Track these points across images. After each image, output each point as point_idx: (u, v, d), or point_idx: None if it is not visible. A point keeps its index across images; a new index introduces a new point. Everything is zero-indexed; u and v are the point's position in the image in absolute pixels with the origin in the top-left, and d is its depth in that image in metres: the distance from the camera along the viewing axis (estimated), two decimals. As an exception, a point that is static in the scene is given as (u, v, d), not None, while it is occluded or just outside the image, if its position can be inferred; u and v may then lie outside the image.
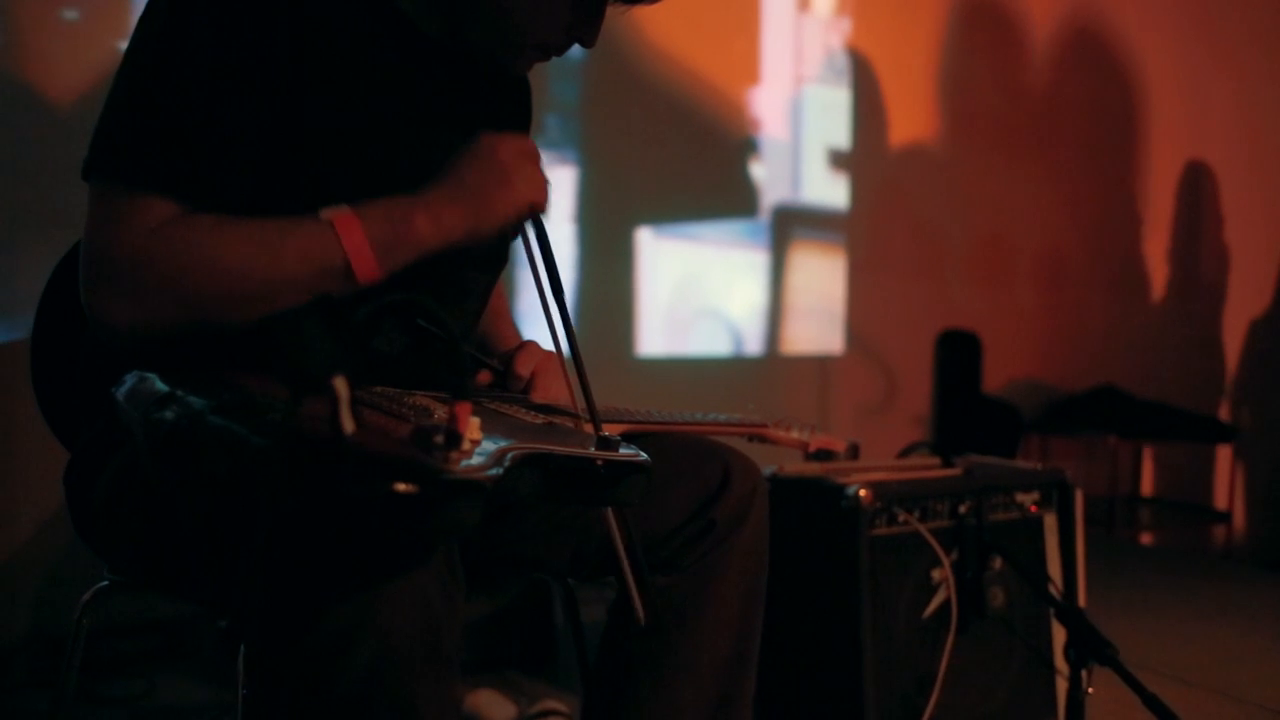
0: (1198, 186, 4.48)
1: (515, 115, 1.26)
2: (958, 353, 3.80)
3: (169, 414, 0.69)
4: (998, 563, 1.77)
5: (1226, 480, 4.36)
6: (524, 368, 1.12)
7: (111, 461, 0.97)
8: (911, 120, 3.60)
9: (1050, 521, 1.92)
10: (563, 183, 2.74)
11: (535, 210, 1.00)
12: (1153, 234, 4.42)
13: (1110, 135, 4.21)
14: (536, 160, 1.02)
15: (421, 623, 0.73)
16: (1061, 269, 4.12)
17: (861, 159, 3.43)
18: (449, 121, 1.08)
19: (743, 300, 3.19)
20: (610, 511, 0.97)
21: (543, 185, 1.01)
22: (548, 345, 1.09)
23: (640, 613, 0.98)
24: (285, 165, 0.95)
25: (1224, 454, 4.42)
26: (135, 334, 0.90)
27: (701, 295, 3.08)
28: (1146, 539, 4.12)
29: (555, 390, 1.12)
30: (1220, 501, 4.39)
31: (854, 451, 1.82)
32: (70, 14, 1.92)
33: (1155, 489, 4.42)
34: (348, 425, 0.61)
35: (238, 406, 0.70)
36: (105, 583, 1.10)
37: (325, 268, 0.90)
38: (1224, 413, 4.60)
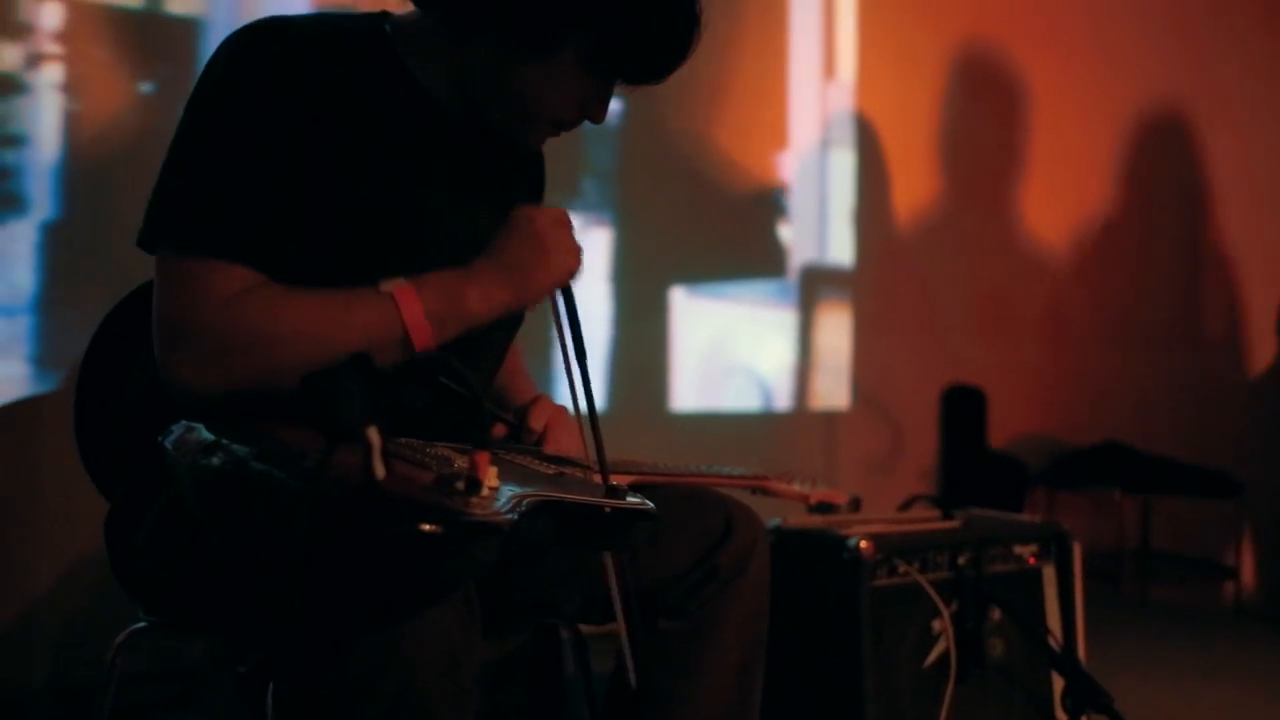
0: (1202, 239, 4.56)
1: (530, 184, 1.35)
2: (963, 407, 3.85)
3: (215, 460, 0.76)
4: (997, 614, 1.82)
5: (1234, 535, 4.37)
6: (537, 421, 1.19)
7: (152, 507, 1.04)
8: (915, 179, 3.69)
9: (1049, 574, 1.96)
10: (599, 244, 2.83)
11: (571, 276, 1.09)
12: (1154, 291, 4.48)
13: (1111, 191, 4.29)
14: (569, 228, 1.11)
15: (443, 655, 0.79)
16: (1064, 324, 4.18)
17: (866, 218, 3.51)
18: (472, 190, 1.17)
19: (772, 357, 3.27)
20: (608, 563, 1.02)
21: (577, 252, 1.10)
22: (565, 397, 1.16)
23: (632, 675, 1.02)
24: (331, 234, 1.03)
25: (1231, 509, 4.43)
26: (211, 395, 0.96)
27: (732, 352, 3.15)
28: (1155, 594, 4.12)
29: (566, 443, 1.19)
30: (1228, 557, 4.39)
31: (856, 504, 1.88)
32: (146, 87, 2.06)
33: (1163, 544, 4.43)
34: (379, 471, 0.68)
35: (276, 454, 0.77)
36: (143, 624, 1.16)
37: (386, 337, 0.98)
38: (1232, 467, 4.62)
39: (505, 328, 1.25)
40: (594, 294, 2.76)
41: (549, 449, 1.17)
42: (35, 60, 1.87)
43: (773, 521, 1.82)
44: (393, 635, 0.77)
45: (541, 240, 1.07)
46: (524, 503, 0.81)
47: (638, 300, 2.94)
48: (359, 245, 1.05)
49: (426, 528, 0.69)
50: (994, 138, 3.89)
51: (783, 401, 3.30)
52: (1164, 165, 4.35)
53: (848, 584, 1.71)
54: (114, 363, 1.26)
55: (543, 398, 1.25)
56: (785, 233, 3.29)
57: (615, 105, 2.27)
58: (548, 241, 1.07)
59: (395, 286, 1.00)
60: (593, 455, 1.02)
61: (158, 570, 1.03)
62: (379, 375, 0.70)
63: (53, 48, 1.89)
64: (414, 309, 0.99)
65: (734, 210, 3.16)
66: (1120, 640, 2.92)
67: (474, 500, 0.74)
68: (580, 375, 1.07)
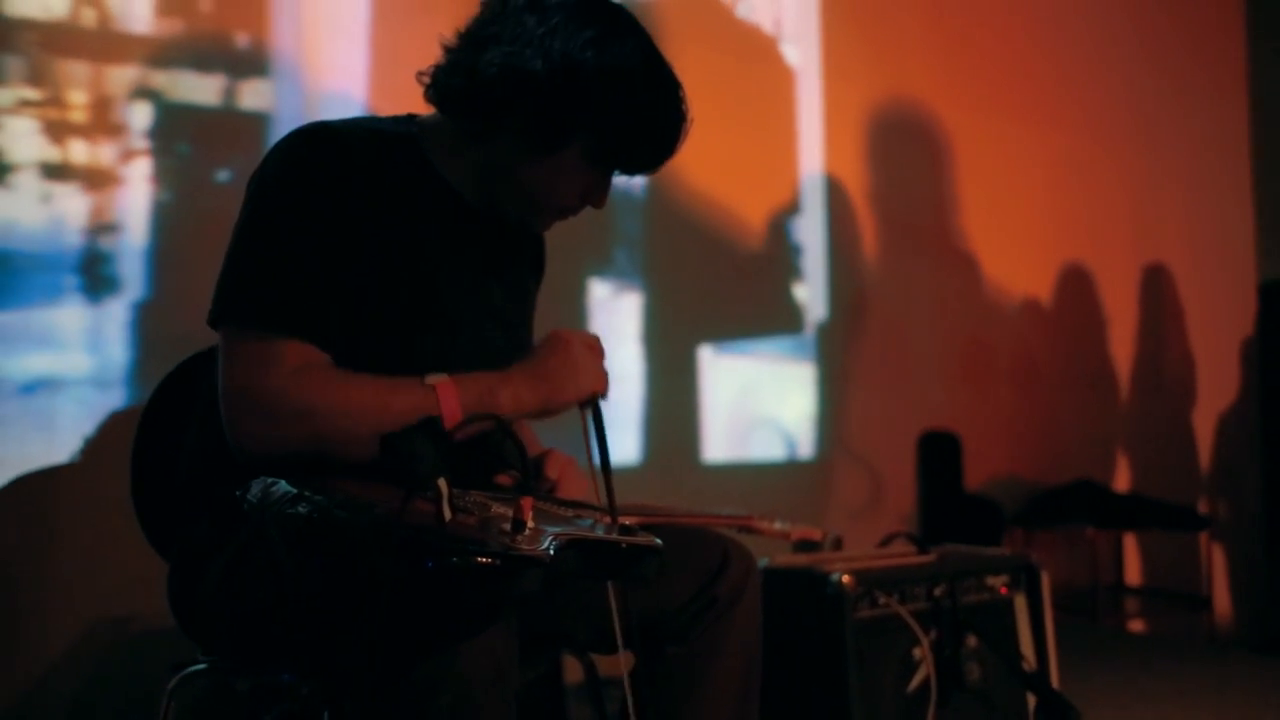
0: (1158, 288, 4.77)
1: (533, 262, 1.52)
2: (939, 452, 4.01)
3: (302, 509, 0.91)
4: (973, 640, 1.97)
5: (1207, 567, 4.53)
6: (552, 471, 1.35)
7: (217, 560, 1.18)
8: (883, 236, 3.89)
9: (1020, 602, 2.11)
10: (630, 307, 3.01)
11: (595, 397, 1.25)
12: (1118, 334, 4.68)
13: (1071, 242, 4.50)
14: (600, 355, 1.27)
15: (492, 672, 0.94)
16: (1035, 369, 4.36)
17: (839, 273, 3.70)
18: (488, 269, 1.35)
19: (795, 408, 3.47)
20: (612, 597, 1.17)
21: (604, 378, 1.26)
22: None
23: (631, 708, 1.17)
24: (372, 309, 1.20)
25: (1203, 542, 4.59)
26: (270, 458, 1.11)
27: (757, 405, 3.33)
28: (1132, 627, 4.26)
29: (575, 489, 1.35)
30: (1202, 588, 4.54)
31: (837, 543, 2.04)
32: (222, 175, 2.22)
33: (1138, 578, 4.58)
34: (447, 514, 0.84)
35: (350, 504, 0.93)
36: (202, 665, 1.30)
37: None
38: (1200, 502, 4.80)
39: None
40: (628, 354, 2.92)
41: (562, 494, 1.33)
42: (128, 155, 2.04)
43: (761, 561, 1.96)
44: (449, 655, 0.92)
45: (573, 360, 1.23)
46: (558, 539, 0.97)
47: (668, 359, 3.11)
48: (395, 318, 1.21)
49: (484, 560, 0.85)
50: (964, 195, 4.10)
51: (806, 450, 3.49)
52: (1119, 215, 4.57)
53: (832, 617, 1.85)
54: (168, 433, 1.41)
55: (553, 451, 1.41)
56: (800, 292, 3.51)
57: (641, 180, 2.53)
58: (579, 362, 1.24)
59: (438, 380, 1.15)
60: (603, 499, 1.18)
61: (228, 614, 1.17)
62: (445, 436, 0.85)
63: (143, 143, 2.06)
64: (451, 401, 1.14)
65: (753, 272, 3.37)
66: (1098, 672, 3.02)
67: (520, 538, 0.90)
68: (604, 479, 1.20)
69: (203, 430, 1.24)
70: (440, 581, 0.85)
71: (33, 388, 1.94)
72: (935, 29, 3.93)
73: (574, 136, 1.26)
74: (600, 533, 1.06)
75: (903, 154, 3.93)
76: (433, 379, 1.15)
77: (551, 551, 0.92)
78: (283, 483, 0.97)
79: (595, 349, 1.27)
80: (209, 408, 1.20)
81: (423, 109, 1.36)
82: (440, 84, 1.29)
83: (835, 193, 3.72)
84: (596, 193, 1.34)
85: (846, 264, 3.75)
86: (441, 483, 0.82)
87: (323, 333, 1.16)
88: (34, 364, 1.94)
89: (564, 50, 1.22)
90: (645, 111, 1.27)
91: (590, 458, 1.22)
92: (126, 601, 2.05)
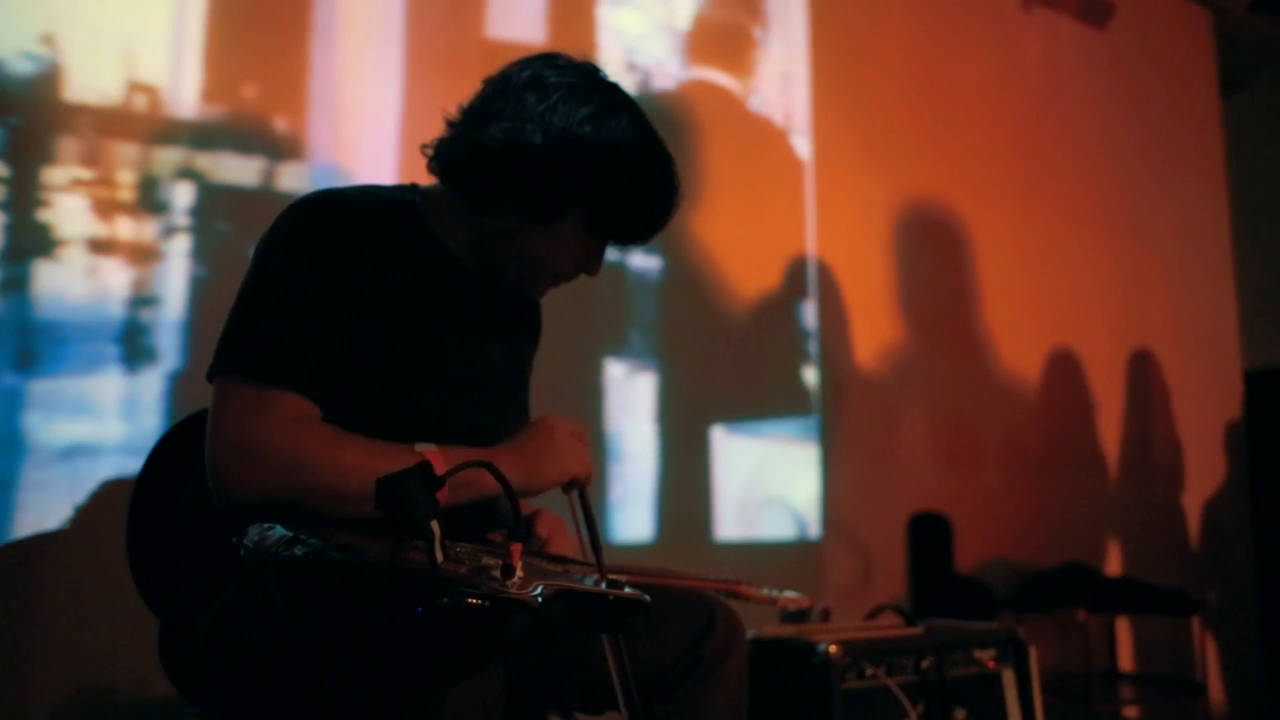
0: (1145, 373, 4.83)
1: (530, 326, 1.57)
2: (929, 533, 4.02)
3: (298, 550, 0.93)
4: (961, 714, 1.97)
5: (1201, 653, 4.50)
6: (543, 529, 1.38)
7: (210, 605, 1.20)
8: (874, 320, 3.95)
9: (1008, 677, 2.12)
10: (645, 388, 3.06)
11: (577, 482, 1.30)
12: (1106, 418, 4.72)
13: (1058, 326, 4.57)
14: (584, 441, 1.32)
15: (478, 714, 0.96)
16: (1023, 453, 4.39)
17: (832, 355, 3.75)
18: (486, 332, 1.40)
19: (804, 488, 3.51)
20: (609, 653, 1.19)
21: (586, 463, 1.31)
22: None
23: None
24: (373, 367, 1.24)
25: (1196, 627, 4.57)
26: (251, 506, 1.13)
27: (767, 485, 3.38)
28: (1127, 713, 4.22)
29: (566, 547, 1.38)
30: (1197, 674, 4.51)
31: (825, 615, 2.05)
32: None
33: (1131, 663, 4.54)
34: (439, 556, 0.87)
35: (343, 547, 0.95)
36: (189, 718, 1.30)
37: None
38: (1192, 586, 4.78)
39: None
40: (642, 433, 2.99)
41: (552, 550, 1.35)
42: (170, 233, 2.13)
43: (749, 632, 1.97)
44: (438, 696, 0.94)
45: (557, 445, 1.28)
46: (546, 589, 0.99)
47: (681, 437, 3.16)
48: (398, 376, 1.25)
49: (474, 601, 0.87)
50: (952, 279, 4.18)
51: (815, 529, 3.52)
52: (1104, 303, 4.66)
53: (820, 687, 1.86)
54: (164, 490, 1.44)
55: (544, 510, 1.44)
56: (809, 374, 3.58)
57: (656, 263, 2.63)
58: (562, 448, 1.29)
59: (426, 450, 1.18)
60: (591, 558, 1.21)
61: (219, 661, 1.18)
62: (438, 482, 0.89)
63: (184, 221, 2.15)
64: (440, 469, 1.18)
65: (763, 354, 3.44)
66: (1093, 758, 3.01)
67: (510, 582, 0.92)
68: (595, 560, 1.25)
69: (198, 485, 1.26)
70: (431, 623, 0.87)
71: (70, 453, 1.99)
72: (924, 120, 4.06)
73: (571, 207, 1.32)
74: (589, 585, 1.09)
75: (892, 240, 4.01)
76: (421, 447, 1.18)
77: (540, 599, 0.95)
78: (278, 527, 1.00)
79: (579, 436, 1.31)
80: (204, 463, 1.23)
81: (425, 179, 1.42)
82: (444, 155, 1.35)
83: (825, 277, 3.79)
84: (592, 261, 1.39)
85: (835, 347, 3.80)
86: (434, 525, 0.85)
87: (319, 388, 1.20)
88: (72, 430, 2.00)
89: (563, 126, 1.28)
90: (639, 184, 1.33)
91: (581, 540, 1.25)
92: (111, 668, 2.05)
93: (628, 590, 1.12)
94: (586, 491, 1.30)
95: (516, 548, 0.93)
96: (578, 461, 1.29)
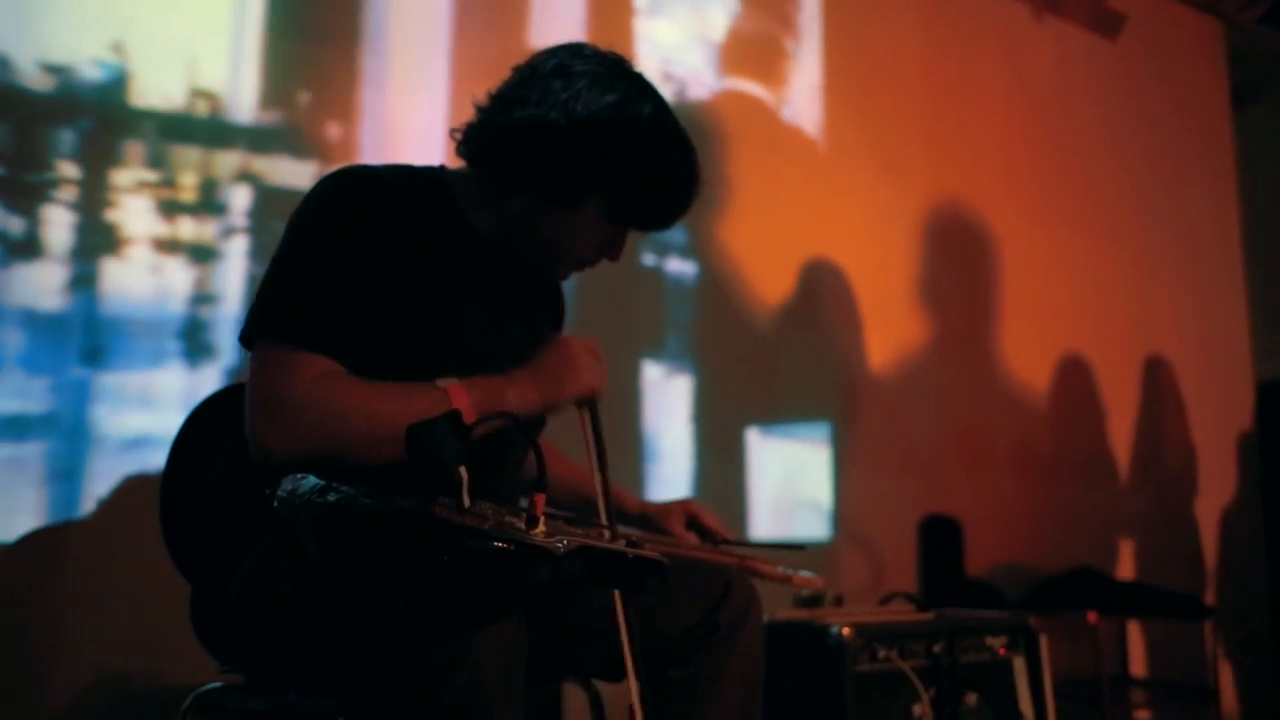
0: (1157, 380, 4.84)
1: (552, 311, 1.61)
2: (941, 536, 4.03)
3: (331, 497, 0.97)
4: (973, 698, 1.98)
5: (1213, 659, 4.49)
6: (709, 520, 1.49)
7: (242, 565, 1.23)
8: (890, 326, 3.98)
9: (1019, 664, 2.13)
10: (681, 390, 3.12)
11: (595, 394, 1.32)
12: (1117, 425, 4.73)
13: (1071, 333, 4.59)
14: (599, 355, 1.36)
15: (501, 660, 0.99)
16: (1035, 458, 4.40)
17: (850, 360, 3.78)
18: (507, 310, 1.44)
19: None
20: (621, 621, 1.22)
21: (602, 376, 1.35)
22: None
23: (637, 708, 1.21)
24: (398, 338, 1.27)
25: (1209, 633, 4.56)
26: (292, 460, 1.17)
27: (800, 486, 3.42)
28: (1139, 717, 4.21)
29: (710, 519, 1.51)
30: (1209, 680, 4.50)
31: (838, 601, 2.07)
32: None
33: (1143, 667, 4.53)
34: (466, 501, 0.90)
35: (374, 495, 0.99)
36: (218, 685, 1.33)
37: None
38: (1205, 593, 4.78)
39: (534, 428, 1.48)
40: (679, 435, 3.04)
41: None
42: (229, 233, 2.23)
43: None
44: (464, 641, 0.97)
45: (573, 359, 1.32)
46: (567, 542, 1.02)
47: (716, 440, 3.20)
48: (418, 348, 1.29)
49: (499, 544, 0.90)
50: (966, 286, 4.20)
51: (826, 530, 3.55)
52: (1116, 309, 4.67)
53: (833, 669, 1.88)
54: (198, 457, 1.48)
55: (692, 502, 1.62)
56: (830, 379, 3.62)
57: (692, 268, 2.65)
58: (579, 361, 1.33)
59: (449, 384, 1.23)
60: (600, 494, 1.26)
61: (251, 617, 1.22)
62: (466, 429, 0.92)
63: (242, 222, 2.25)
64: (462, 400, 1.22)
65: (797, 357, 3.48)
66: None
67: (533, 531, 0.95)
68: (600, 475, 1.30)
69: (231, 450, 1.30)
70: (457, 567, 0.90)
71: (134, 444, 2.06)
72: (937, 129, 4.09)
73: (593, 192, 1.35)
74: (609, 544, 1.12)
75: (905, 244, 4.04)
76: (443, 382, 1.23)
77: (561, 548, 0.98)
78: (311, 477, 1.03)
79: (595, 352, 1.35)
80: (237, 430, 1.26)
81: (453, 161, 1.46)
82: (470, 139, 1.39)
83: (836, 280, 3.82)
84: (613, 247, 1.43)
85: (847, 351, 3.83)
86: (462, 470, 0.89)
87: (347, 352, 1.24)
88: (135, 422, 2.07)
89: (586, 111, 1.32)
90: (660, 171, 1.37)
91: (589, 457, 1.28)
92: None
93: (646, 550, 1.15)
94: (597, 407, 1.34)
95: (540, 497, 0.96)
96: (595, 375, 1.33)
